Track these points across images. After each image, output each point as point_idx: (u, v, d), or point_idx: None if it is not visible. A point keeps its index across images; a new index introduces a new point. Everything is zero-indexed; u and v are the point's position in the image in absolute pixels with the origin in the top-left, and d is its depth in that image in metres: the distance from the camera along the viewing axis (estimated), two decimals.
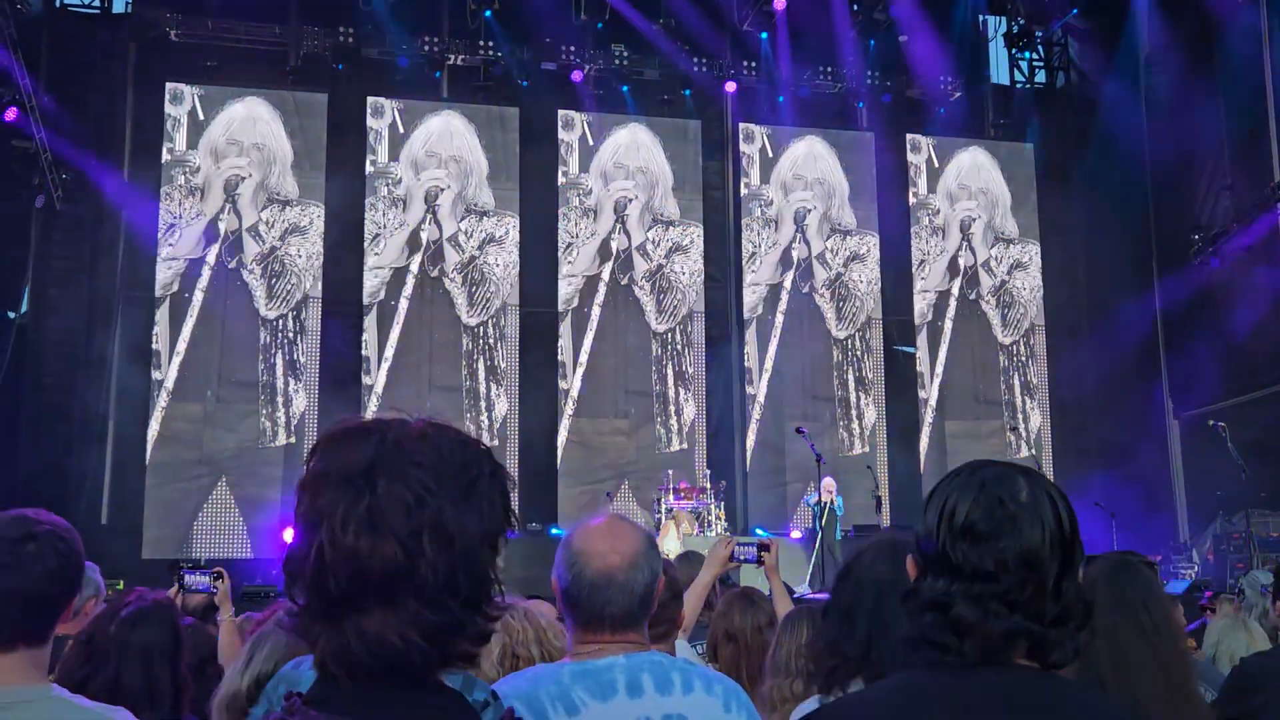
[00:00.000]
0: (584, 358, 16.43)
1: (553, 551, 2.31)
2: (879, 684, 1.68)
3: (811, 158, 17.62)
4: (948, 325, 17.80)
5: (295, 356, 15.58)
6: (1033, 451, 17.33)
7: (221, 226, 15.56)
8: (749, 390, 16.93)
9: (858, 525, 14.24)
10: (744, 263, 17.22)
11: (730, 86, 17.34)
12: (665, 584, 2.62)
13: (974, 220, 18.10)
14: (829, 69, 17.55)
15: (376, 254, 16.02)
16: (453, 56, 16.58)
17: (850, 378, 17.27)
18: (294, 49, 15.94)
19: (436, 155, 16.36)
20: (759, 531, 14.85)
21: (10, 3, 13.69)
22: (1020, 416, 17.79)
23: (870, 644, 2.45)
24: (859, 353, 17.37)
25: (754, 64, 17.37)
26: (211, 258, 15.47)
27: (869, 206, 17.71)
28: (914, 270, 17.83)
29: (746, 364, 16.97)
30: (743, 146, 17.47)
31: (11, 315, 14.60)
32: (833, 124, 17.81)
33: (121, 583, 9.65)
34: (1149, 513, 15.60)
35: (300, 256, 15.76)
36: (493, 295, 16.31)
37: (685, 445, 16.51)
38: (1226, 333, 15.45)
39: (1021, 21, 18.49)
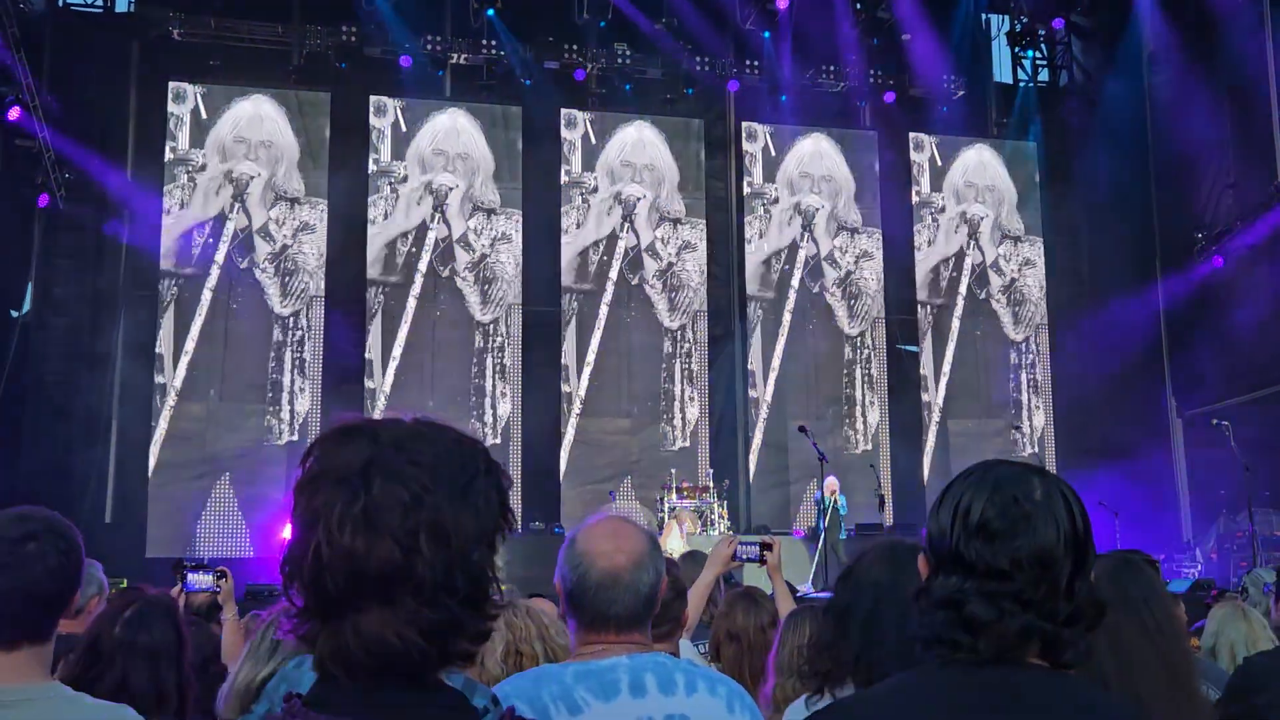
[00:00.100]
0: (591, 357, 16.43)
1: (554, 550, 2.31)
2: (890, 680, 1.68)
3: (818, 155, 17.61)
4: (955, 324, 17.78)
5: (302, 355, 15.59)
6: (1035, 450, 17.32)
7: (230, 226, 15.57)
8: (752, 390, 16.92)
9: (860, 525, 14.24)
10: (748, 261, 17.20)
11: (733, 85, 17.33)
12: (669, 583, 2.62)
13: (982, 219, 18.09)
14: (831, 68, 17.53)
15: (382, 252, 16.02)
16: (455, 55, 16.59)
17: (858, 376, 17.27)
18: (297, 48, 15.96)
19: (444, 153, 16.37)
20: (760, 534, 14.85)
21: (13, 2, 13.70)
22: (1026, 415, 17.78)
23: (864, 648, 2.45)
24: (867, 351, 17.37)
25: (756, 63, 17.36)
26: (220, 257, 15.48)
27: (872, 205, 17.71)
28: (918, 269, 17.80)
29: (750, 363, 16.96)
30: (745, 145, 17.46)
31: (14, 314, 14.62)
32: (835, 123, 17.81)
33: (125, 581, 9.65)
34: (1152, 512, 15.60)
35: (311, 255, 15.78)
36: (503, 294, 16.32)
37: (689, 444, 16.51)
38: (1230, 331, 15.43)
39: (1024, 20, 18.48)
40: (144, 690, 2.86)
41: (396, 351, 15.87)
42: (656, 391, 16.66)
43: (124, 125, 15.61)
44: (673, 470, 15.11)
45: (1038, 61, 19.08)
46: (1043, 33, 18.65)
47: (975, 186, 18.15)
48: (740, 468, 16.57)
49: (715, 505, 14.51)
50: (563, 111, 16.82)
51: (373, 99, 16.24)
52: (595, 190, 16.82)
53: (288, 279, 15.68)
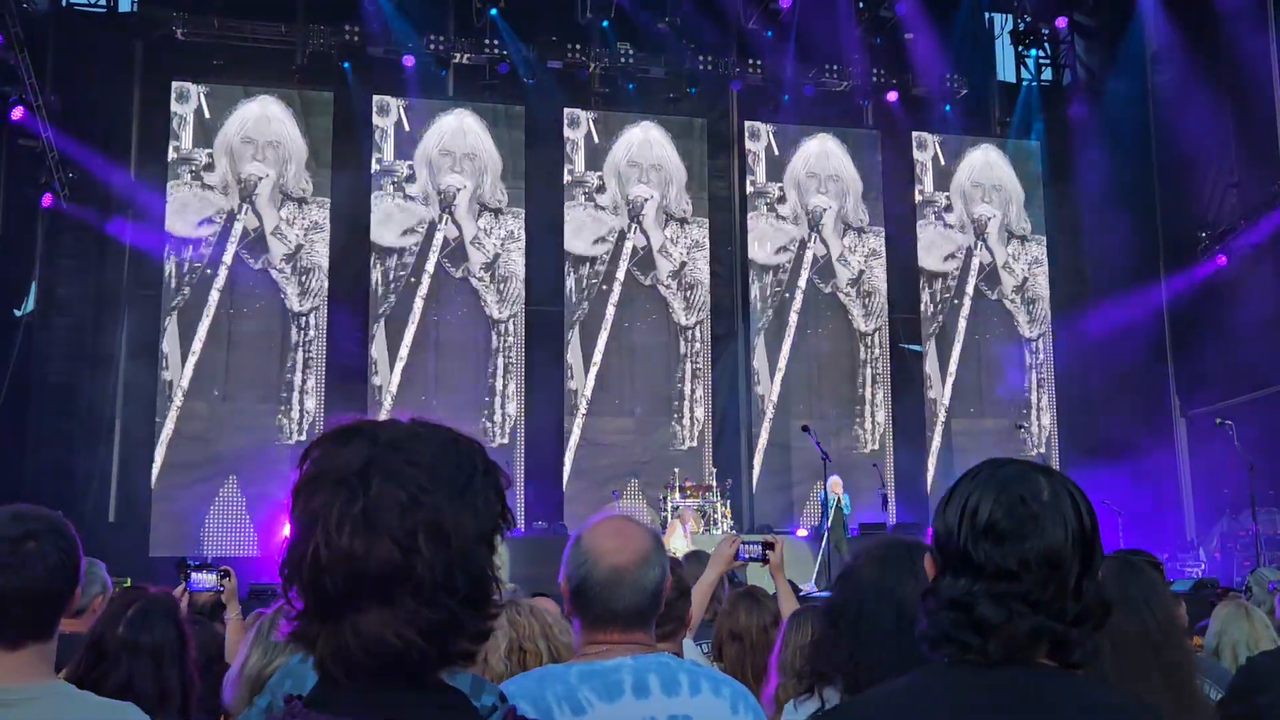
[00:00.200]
0: (597, 357, 16.43)
1: (558, 550, 2.31)
2: (898, 681, 1.67)
3: (824, 155, 17.61)
4: (962, 324, 17.78)
5: (309, 355, 15.61)
6: (1040, 450, 17.30)
7: (239, 226, 15.59)
8: (758, 389, 16.92)
9: (864, 524, 14.25)
10: (752, 261, 17.20)
11: (735, 85, 17.33)
12: (672, 583, 2.62)
13: (990, 219, 18.08)
14: (834, 67, 17.52)
15: (388, 252, 16.03)
16: (458, 55, 16.60)
17: (867, 375, 17.27)
18: (300, 47, 15.97)
19: (451, 154, 16.38)
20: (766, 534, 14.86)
21: (16, 1, 13.72)
22: (1035, 415, 17.77)
23: (855, 647, 2.46)
24: (874, 350, 17.37)
25: (759, 62, 17.35)
26: (228, 258, 15.50)
27: (875, 204, 17.71)
28: (922, 268, 17.79)
29: (755, 362, 16.96)
30: (748, 144, 17.46)
31: (18, 313, 14.64)
32: (838, 122, 17.81)
33: (129, 580, 9.67)
34: (1156, 511, 15.60)
35: (324, 254, 15.81)
36: (517, 292, 16.34)
37: (694, 444, 16.51)
38: (1233, 331, 15.42)
39: (1027, 18, 18.47)
40: (148, 689, 2.86)
41: (403, 351, 15.88)
42: (663, 391, 16.67)
43: (127, 125, 15.64)
44: (675, 469, 15.12)
45: (1041, 60, 19.07)
46: (1046, 31, 18.64)
47: (982, 186, 18.15)
48: (743, 467, 16.58)
49: (718, 504, 14.53)
50: (566, 111, 16.82)
51: (376, 98, 16.24)
52: (601, 189, 16.81)
53: (304, 277, 15.72)
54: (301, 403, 15.46)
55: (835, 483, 13.82)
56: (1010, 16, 18.72)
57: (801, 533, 14.90)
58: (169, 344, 15.16)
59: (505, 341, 16.24)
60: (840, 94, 17.78)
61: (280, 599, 1.40)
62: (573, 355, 16.39)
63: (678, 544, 12.30)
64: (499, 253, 16.37)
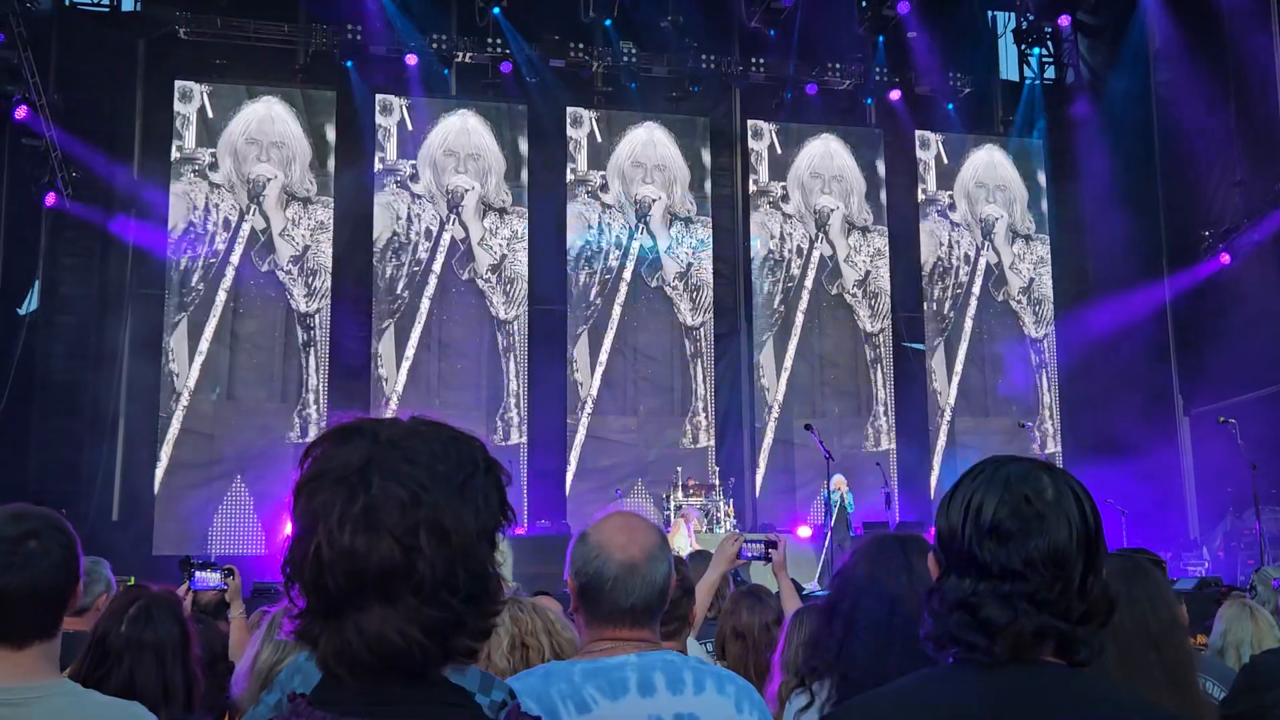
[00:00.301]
0: (603, 356, 16.44)
1: (560, 549, 2.31)
2: (905, 680, 1.67)
3: (828, 154, 17.60)
4: (968, 324, 17.77)
5: (314, 355, 15.62)
6: (1054, 449, 17.29)
7: (246, 227, 15.60)
8: (762, 388, 16.92)
9: (867, 523, 14.24)
10: (757, 260, 17.20)
11: (738, 83, 17.32)
12: (677, 581, 2.63)
13: (997, 220, 18.07)
14: (837, 66, 17.52)
15: (393, 252, 16.04)
16: (461, 54, 16.60)
17: (873, 375, 17.27)
18: (303, 46, 15.98)
19: (455, 154, 16.39)
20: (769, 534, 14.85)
21: (20, 1, 13.73)
22: (1047, 414, 17.76)
23: (843, 643, 2.47)
24: (880, 350, 17.37)
25: (762, 61, 17.34)
26: (235, 258, 15.51)
27: (878, 203, 17.70)
28: (925, 267, 17.79)
29: (760, 361, 16.96)
30: (751, 143, 17.45)
31: (21, 311, 14.66)
32: (841, 121, 17.80)
33: (132, 579, 9.69)
34: (1159, 509, 15.58)
35: (325, 254, 15.82)
36: (523, 292, 16.35)
37: (698, 443, 16.51)
38: (1237, 329, 15.40)
39: (1030, 17, 18.46)
40: (151, 686, 2.87)
41: (409, 352, 15.89)
42: (667, 391, 16.67)
43: (130, 124, 15.66)
44: (679, 468, 15.12)
45: (1044, 59, 19.06)
46: (1048, 30, 18.62)
47: (986, 186, 18.14)
48: (746, 466, 16.58)
49: (721, 503, 14.53)
50: (568, 110, 16.82)
51: (379, 97, 16.25)
52: (605, 188, 16.81)
53: (311, 278, 15.73)
54: (307, 402, 15.46)
55: (839, 481, 13.83)
56: (1013, 15, 18.70)
57: (804, 532, 14.87)
58: (175, 343, 15.18)
59: (511, 341, 16.24)
60: (843, 93, 17.77)
61: (281, 598, 1.41)
62: (577, 354, 16.39)
63: (681, 543, 12.30)
64: (505, 254, 16.38)
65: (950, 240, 17.96)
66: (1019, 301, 18.05)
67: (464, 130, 16.48)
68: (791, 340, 17.08)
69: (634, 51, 16.88)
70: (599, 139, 16.90)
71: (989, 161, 18.21)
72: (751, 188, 17.37)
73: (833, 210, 17.47)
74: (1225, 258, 15.77)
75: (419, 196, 16.23)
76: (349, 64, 16.11)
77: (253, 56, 16.00)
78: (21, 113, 13.78)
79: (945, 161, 18.08)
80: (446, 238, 16.23)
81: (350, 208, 15.97)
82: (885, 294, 17.53)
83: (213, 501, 14.88)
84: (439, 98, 16.58)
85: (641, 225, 16.83)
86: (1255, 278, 15.25)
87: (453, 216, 16.28)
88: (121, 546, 12.50)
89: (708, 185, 17.25)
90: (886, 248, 17.62)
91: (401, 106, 16.33)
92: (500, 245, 16.39)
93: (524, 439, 15.99)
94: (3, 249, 14.34)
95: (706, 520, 14.07)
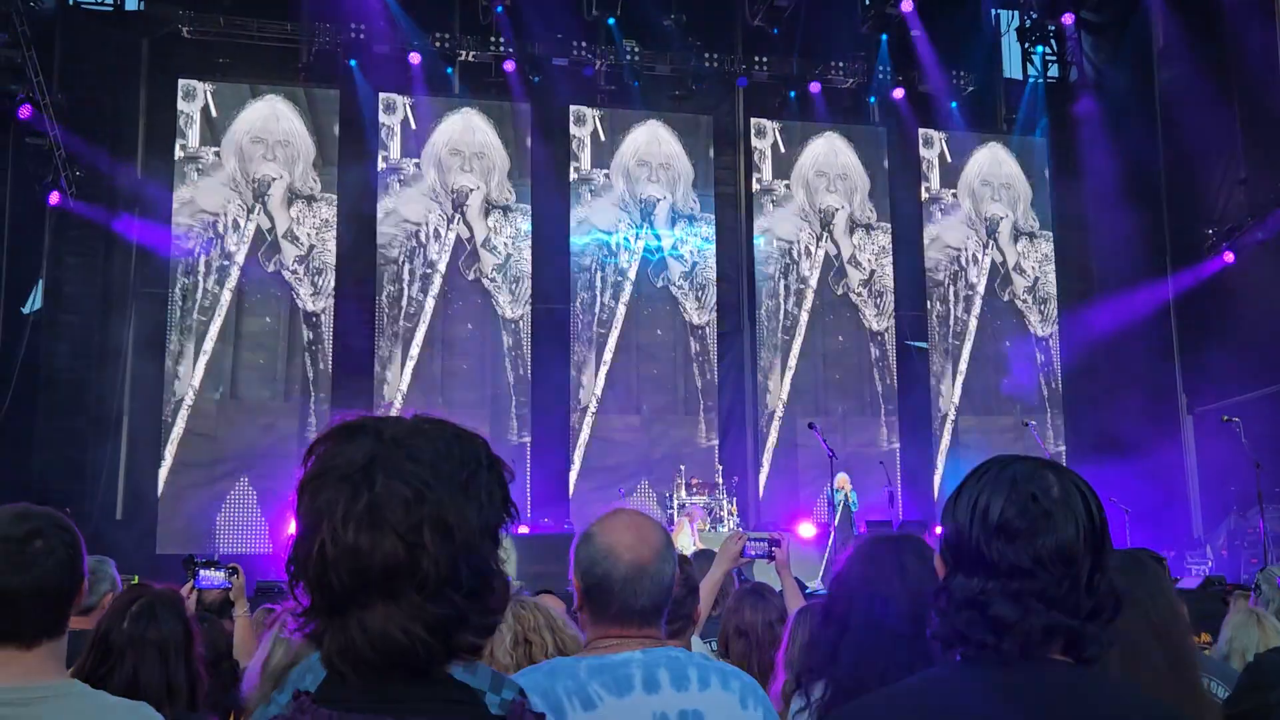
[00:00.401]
0: (608, 356, 16.44)
1: (563, 548, 2.30)
2: (914, 679, 1.67)
3: (832, 153, 17.59)
4: (972, 322, 17.76)
5: (319, 354, 15.63)
6: (1060, 448, 17.28)
7: (251, 226, 15.61)
8: (766, 387, 16.91)
9: (871, 521, 14.23)
10: (760, 259, 17.20)
11: (741, 82, 17.32)
12: (681, 580, 2.63)
13: (1002, 219, 18.06)
14: (840, 64, 17.50)
15: (397, 251, 16.05)
16: (464, 52, 16.60)
17: (877, 373, 17.26)
18: (306, 45, 15.99)
19: (461, 153, 16.39)
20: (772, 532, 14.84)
21: (23, 0, 13.74)
22: (1049, 413, 17.75)
23: (836, 646, 2.47)
24: (884, 348, 17.37)
25: (765, 59, 17.34)
26: (240, 258, 15.52)
27: (882, 202, 17.70)
28: (929, 266, 17.78)
29: (763, 360, 16.95)
30: (754, 142, 17.45)
31: (25, 310, 14.67)
32: (844, 119, 17.79)
33: (136, 578, 9.70)
34: (1163, 508, 15.56)
35: (329, 253, 15.83)
36: (526, 291, 16.36)
37: (702, 442, 16.51)
38: (1240, 327, 15.39)
39: (1034, 15, 18.44)
40: (154, 683, 2.87)
41: (414, 351, 15.89)
42: (671, 389, 16.67)
43: (133, 123, 15.67)
44: (681, 466, 15.12)
45: (1047, 57, 19.02)
46: (1052, 28, 18.59)
47: (991, 185, 18.12)
48: (750, 464, 16.58)
49: (725, 502, 14.53)
50: (571, 108, 16.82)
51: (382, 96, 16.26)
52: (609, 187, 16.81)
53: (316, 278, 15.75)
54: (311, 401, 15.47)
55: (842, 479, 13.83)
56: (1016, 13, 18.68)
57: (806, 531, 14.84)
58: (180, 342, 15.19)
59: (516, 339, 16.25)
60: (846, 91, 17.76)
61: (286, 597, 1.41)
62: (581, 353, 16.39)
63: (685, 542, 12.31)
64: (510, 253, 16.39)
65: (954, 239, 17.94)
66: (1024, 301, 18.04)
67: (468, 129, 16.49)
68: (796, 339, 17.08)
69: (637, 50, 16.88)
70: (602, 137, 16.91)
71: (992, 160, 18.20)
72: (755, 186, 17.37)
73: (838, 210, 17.46)
74: (1229, 256, 15.75)
75: (424, 195, 16.23)
76: (352, 63, 16.11)
77: (256, 55, 16.02)
78: (25, 112, 13.79)
79: (949, 160, 18.07)
80: (451, 236, 16.24)
81: (354, 207, 15.98)
82: (889, 293, 17.52)
83: (216, 500, 14.89)
84: (442, 96, 16.58)
85: (646, 224, 16.84)
86: (1259, 276, 15.23)
87: (458, 215, 16.29)
88: (125, 545, 12.52)
89: (711, 184, 17.24)
90: (890, 246, 17.61)
91: (405, 105, 16.33)
92: (505, 244, 16.40)
93: (528, 438, 15.99)
94: (6, 248, 14.35)
95: (710, 519, 14.07)
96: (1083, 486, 1.64)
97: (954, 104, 17.90)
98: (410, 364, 15.86)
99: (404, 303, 16.00)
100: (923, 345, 17.52)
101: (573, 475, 16.08)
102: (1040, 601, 1.56)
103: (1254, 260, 15.36)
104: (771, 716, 2.28)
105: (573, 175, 16.76)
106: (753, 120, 17.49)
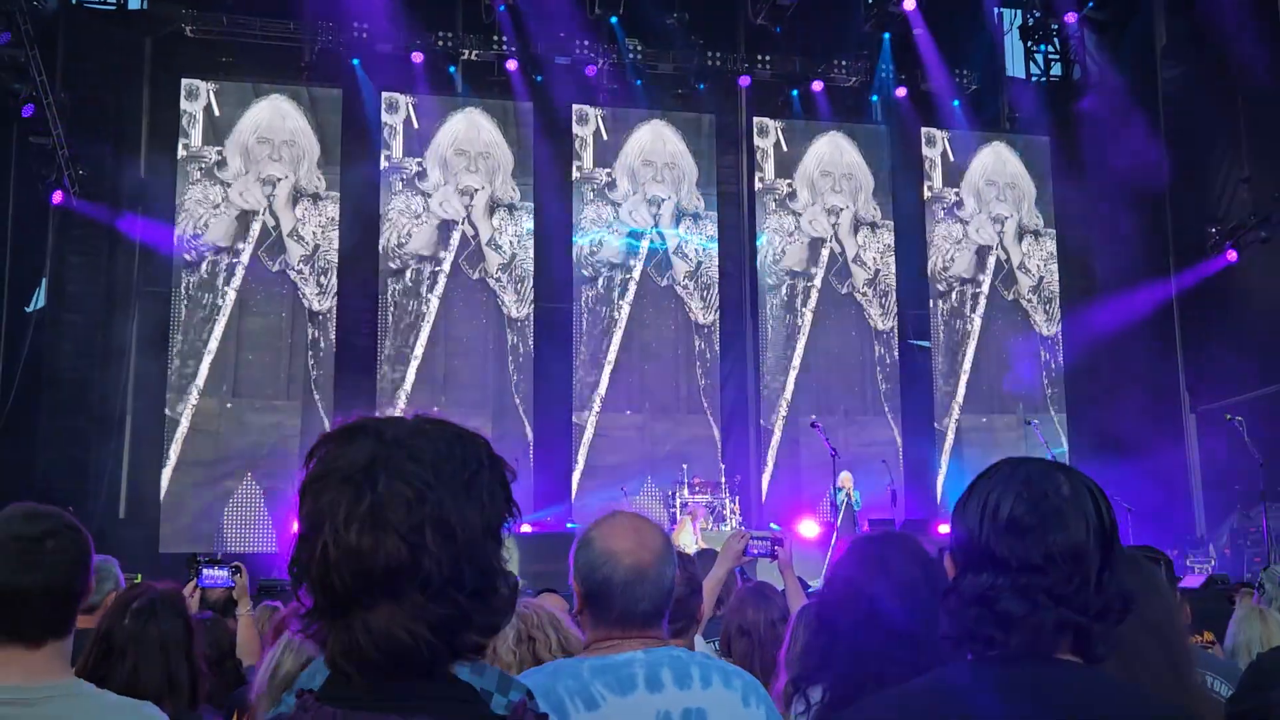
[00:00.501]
0: (611, 355, 16.44)
1: (566, 547, 2.31)
2: (924, 678, 1.68)
3: (836, 153, 17.58)
4: (977, 322, 17.75)
5: (321, 353, 15.64)
6: (1063, 448, 17.27)
7: (257, 226, 15.62)
8: (770, 385, 16.91)
9: (873, 520, 14.23)
10: (764, 258, 17.19)
11: (744, 80, 17.31)
12: (685, 580, 2.63)
13: (1008, 219, 18.05)
14: (843, 63, 17.50)
15: (400, 251, 16.05)
16: (466, 52, 16.61)
17: (880, 371, 17.26)
18: (309, 44, 16.00)
19: (466, 153, 16.40)
20: (773, 526, 14.85)
21: (27, 0, 13.75)
22: (1052, 411, 17.74)
23: (828, 650, 2.47)
24: (888, 347, 17.36)
25: (768, 58, 17.33)
26: (246, 257, 15.53)
27: (885, 201, 17.69)
28: (932, 265, 17.77)
29: (767, 359, 16.95)
30: (757, 141, 17.44)
31: (29, 309, 14.69)
32: (847, 118, 17.78)
33: (140, 576, 9.72)
34: (1166, 507, 15.55)
35: (334, 252, 15.84)
36: (527, 292, 16.37)
37: (706, 441, 16.50)
38: (1243, 326, 15.38)
39: (1036, 14, 18.42)
40: (156, 681, 2.88)
41: (419, 350, 15.90)
42: (675, 388, 16.67)
43: (137, 122, 15.68)
44: (684, 465, 15.12)
45: (1050, 56, 19.01)
46: (1055, 27, 18.58)
47: (996, 185, 18.11)
48: (752, 463, 16.58)
49: (727, 500, 14.52)
50: (574, 107, 16.82)
51: (385, 95, 16.26)
52: (612, 185, 16.81)
53: (321, 277, 15.76)
54: (315, 400, 15.48)
55: (845, 477, 13.83)
56: (1019, 11, 18.67)
57: (809, 529, 14.83)
58: (184, 341, 15.21)
59: (520, 338, 16.25)
60: (849, 90, 17.75)
61: (288, 595, 1.42)
62: (585, 351, 16.39)
63: (687, 540, 12.31)
64: (515, 253, 16.39)
65: (958, 237, 17.94)
66: (1029, 300, 18.03)
67: (471, 128, 16.49)
68: (801, 338, 17.07)
69: (639, 49, 16.88)
70: (604, 136, 16.91)
71: (996, 159, 18.18)
72: (757, 185, 17.36)
73: (843, 209, 17.45)
74: (1232, 254, 15.74)
75: (428, 194, 16.24)
76: (355, 62, 16.11)
77: (259, 54, 16.02)
78: (28, 111, 13.80)
79: (951, 159, 18.05)
80: (456, 236, 16.25)
81: (358, 206, 15.98)
82: (894, 292, 17.52)
83: (220, 500, 14.91)
84: (445, 96, 16.58)
85: (651, 223, 16.84)
86: (1262, 274, 15.23)
87: (463, 215, 16.29)
88: (128, 544, 12.54)
89: (714, 183, 17.24)
90: (893, 245, 17.60)
91: (407, 104, 16.34)
92: (510, 244, 16.40)
93: (531, 437, 15.99)
94: (10, 247, 14.35)
95: (712, 517, 14.07)
96: (1093, 488, 1.64)
97: (956, 103, 17.89)
98: (415, 363, 15.86)
99: (408, 302, 15.99)
100: (925, 344, 17.51)
101: (576, 474, 16.08)
102: (1049, 598, 1.56)
103: (1257, 259, 15.36)
104: (773, 714, 2.28)
105: (575, 174, 16.76)
106: (755, 119, 17.48)
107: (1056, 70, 19.11)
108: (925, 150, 18.00)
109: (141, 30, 15.80)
